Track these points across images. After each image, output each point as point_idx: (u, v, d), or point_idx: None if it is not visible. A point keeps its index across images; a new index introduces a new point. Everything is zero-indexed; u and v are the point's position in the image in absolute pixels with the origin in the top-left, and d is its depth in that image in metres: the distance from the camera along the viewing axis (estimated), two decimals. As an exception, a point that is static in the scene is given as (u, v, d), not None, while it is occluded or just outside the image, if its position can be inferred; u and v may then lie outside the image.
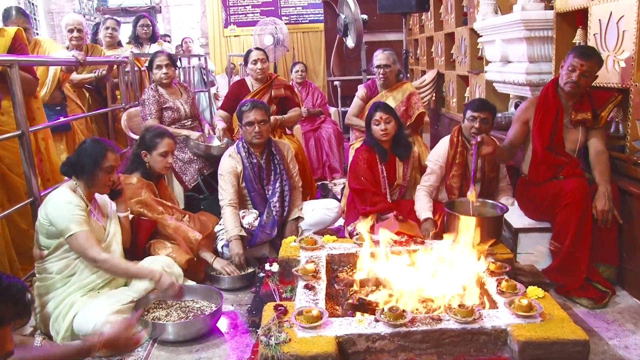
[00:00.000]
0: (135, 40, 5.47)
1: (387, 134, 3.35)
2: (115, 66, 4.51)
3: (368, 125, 3.44)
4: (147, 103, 3.97)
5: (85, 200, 2.54)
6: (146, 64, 5.07)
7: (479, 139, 2.90)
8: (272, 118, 4.04)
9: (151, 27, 5.45)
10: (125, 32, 5.84)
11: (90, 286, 2.52)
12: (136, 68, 4.78)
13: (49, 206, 2.45)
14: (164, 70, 4.01)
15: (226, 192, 3.31)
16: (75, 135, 4.05)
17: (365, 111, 4.29)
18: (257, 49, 4.33)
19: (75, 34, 4.35)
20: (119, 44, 5.25)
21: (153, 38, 5.52)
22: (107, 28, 5.02)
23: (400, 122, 3.49)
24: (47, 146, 3.35)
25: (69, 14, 4.48)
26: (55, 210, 2.42)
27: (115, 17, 5.37)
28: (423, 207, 3.24)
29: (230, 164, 3.35)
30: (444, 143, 3.41)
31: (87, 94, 4.65)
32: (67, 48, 4.40)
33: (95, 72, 4.54)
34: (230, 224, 3.21)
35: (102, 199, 2.73)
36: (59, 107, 3.89)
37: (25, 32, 3.64)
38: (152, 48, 5.34)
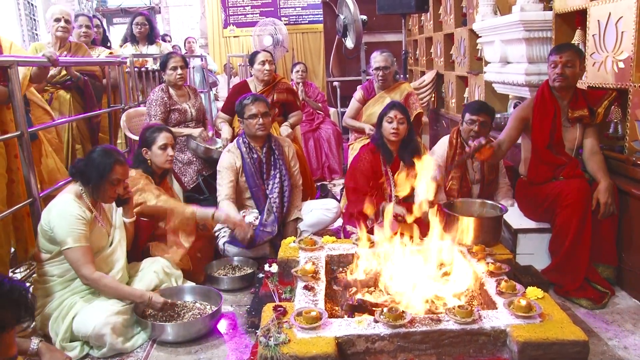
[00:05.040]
0: (132, 39, 5.30)
1: (398, 135, 3.24)
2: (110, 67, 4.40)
3: (379, 123, 3.34)
4: (154, 104, 3.92)
5: (90, 207, 2.53)
6: (147, 65, 5.04)
7: (477, 143, 2.84)
8: (285, 128, 4.08)
9: (147, 26, 5.28)
10: (120, 31, 5.65)
11: (91, 289, 2.51)
12: (129, 69, 4.61)
13: (53, 214, 2.42)
14: (179, 71, 3.96)
15: (222, 187, 3.33)
16: (41, 145, 3.45)
17: (362, 113, 4.29)
18: (264, 50, 4.32)
19: (62, 23, 3.97)
20: (94, 43, 4.81)
21: (151, 38, 5.35)
22: (80, 27, 4.55)
23: (412, 127, 3.36)
24: None
25: (55, 5, 4.04)
26: (58, 220, 2.39)
27: (86, 14, 5.00)
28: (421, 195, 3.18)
29: (228, 160, 3.35)
30: (443, 143, 3.40)
31: (69, 96, 4.15)
32: (48, 43, 4.08)
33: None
34: (226, 206, 3.25)
35: (108, 204, 2.70)
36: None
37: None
38: (151, 49, 5.28)
